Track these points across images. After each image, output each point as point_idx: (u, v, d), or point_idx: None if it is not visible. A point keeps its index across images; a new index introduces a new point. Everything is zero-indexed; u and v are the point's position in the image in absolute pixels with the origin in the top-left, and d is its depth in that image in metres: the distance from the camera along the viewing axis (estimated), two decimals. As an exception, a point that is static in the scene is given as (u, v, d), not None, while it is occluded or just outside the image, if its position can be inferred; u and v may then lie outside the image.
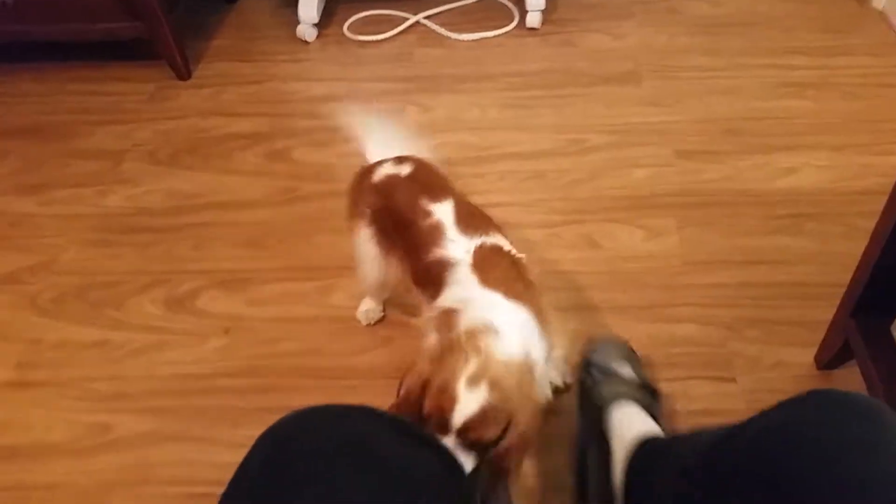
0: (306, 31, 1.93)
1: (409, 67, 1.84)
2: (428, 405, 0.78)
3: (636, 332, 1.18)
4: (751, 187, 1.43)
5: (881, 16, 1.84)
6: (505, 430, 0.79)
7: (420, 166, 1.08)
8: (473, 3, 2.04)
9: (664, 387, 1.11)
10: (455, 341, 0.81)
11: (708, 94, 1.66)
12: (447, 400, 0.76)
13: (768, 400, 1.09)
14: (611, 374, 1.04)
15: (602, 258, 1.32)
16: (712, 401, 1.09)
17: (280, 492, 0.54)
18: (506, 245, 0.99)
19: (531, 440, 0.86)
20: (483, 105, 1.70)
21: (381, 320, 1.24)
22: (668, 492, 0.71)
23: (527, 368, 0.83)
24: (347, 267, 1.20)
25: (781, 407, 0.60)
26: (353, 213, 1.10)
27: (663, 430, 0.95)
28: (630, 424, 0.94)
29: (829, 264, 1.27)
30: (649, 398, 1.00)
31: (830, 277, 1.22)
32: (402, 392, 0.84)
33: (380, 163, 1.10)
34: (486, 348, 0.80)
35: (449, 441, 0.77)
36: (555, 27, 1.93)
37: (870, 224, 0.98)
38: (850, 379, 1.08)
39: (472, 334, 0.82)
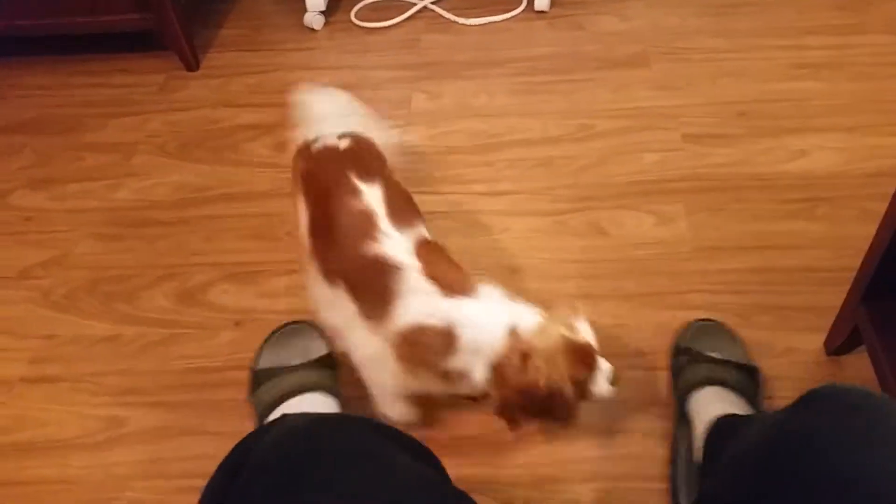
0: (314, 18, 1.93)
1: (417, 54, 1.83)
2: (570, 372, 0.85)
3: (645, 320, 1.18)
4: (762, 171, 1.41)
5: (896, -8, 1.81)
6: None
7: (359, 142, 1.07)
8: (481, -14, 2.02)
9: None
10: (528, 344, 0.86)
11: (718, 77, 1.64)
12: (588, 362, 0.87)
13: (778, 387, 1.10)
14: (698, 358, 1.04)
15: (610, 245, 1.31)
16: (722, 389, 1.09)
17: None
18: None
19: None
20: (491, 91, 1.69)
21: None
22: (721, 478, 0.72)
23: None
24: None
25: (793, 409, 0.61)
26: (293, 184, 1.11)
27: (758, 409, 0.96)
28: (708, 407, 0.94)
29: (841, 248, 1.25)
30: (744, 378, 1.00)
31: (843, 262, 1.20)
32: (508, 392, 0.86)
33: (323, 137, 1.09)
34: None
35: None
36: (563, 10, 1.91)
37: (882, 207, 0.96)
38: (859, 365, 1.07)
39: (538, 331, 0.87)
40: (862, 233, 1.05)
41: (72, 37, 1.86)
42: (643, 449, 1.04)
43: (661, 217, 1.35)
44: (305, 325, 1.13)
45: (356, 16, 1.97)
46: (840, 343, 1.09)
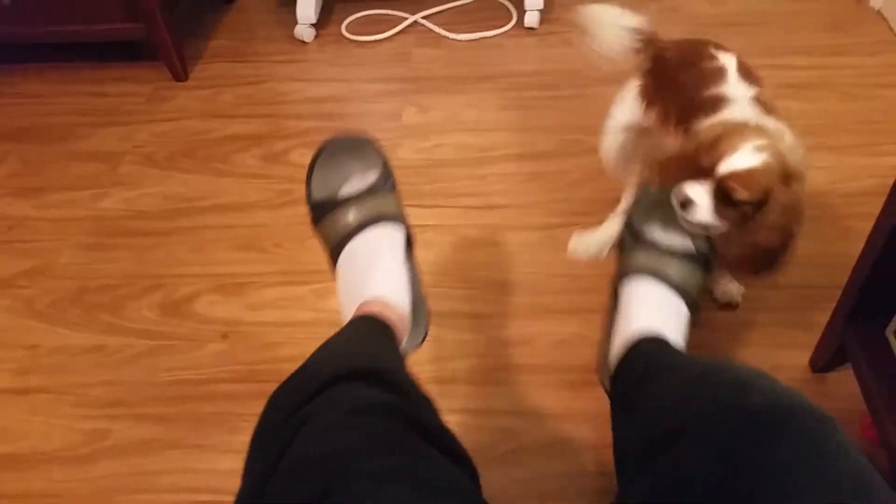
0: (304, 31, 1.93)
1: (408, 68, 1.84)
2: (705, 151, 0.87)
3: (634, 336, 1.18)
4: (749, 189, 1.42)
5: (879, 15, 1.84)
6: (760, 204, 0.86)
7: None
8: (471, 2, 2.04)
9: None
10: (744, 125, 0.89)
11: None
12: (725, 148, 0.85)
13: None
14: (644, 240, 0.90)
15: (602, 260, 1.32)
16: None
17: None
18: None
19: (784, 230, 0.89)
20: (481, 106, 1.69)
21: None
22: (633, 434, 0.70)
23: (801, 165, 0.88)
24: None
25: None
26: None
27: (696, 311, 0.86)
28: (635, 311, 0.85)
29: (826, 266, 1.26)
30: (690, 272, 0.86)
31: (828, 279, 1.21)
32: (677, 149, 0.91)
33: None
34: (775, 132, 0.89)
35: (707, 185, 0.86)
36: (553, 27, 1.92)
37: (866, 226, 0.98)
38: (845, 382, 1.08)
39: (761, 125, 0.90)
40: (847, 251, 1.06)
41: (61, 45, 1.85)
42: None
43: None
44: (362, 139, 0.95)
45: (347, 29, 1.97)
46: (826, 360, 1.10)
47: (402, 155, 1.57)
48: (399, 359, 0.80)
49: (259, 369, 1.19)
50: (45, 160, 1.64)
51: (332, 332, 1.19)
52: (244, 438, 0.62)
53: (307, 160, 1.61)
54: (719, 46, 1.13)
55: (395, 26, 1.95)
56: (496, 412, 1.11)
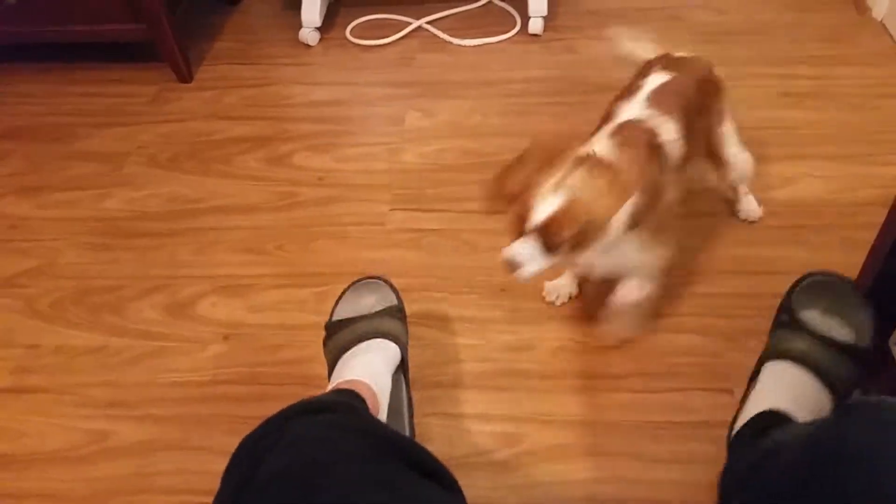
0: (309, 34, 1.93)
1: (411, 72, 1.84)
2: (519, 207, 0.89)
3: (634, 341, 1.19)
4: (750, 197, 1.43)
5: (881, 26, 1.84)
6: (579, 236, 0.89)
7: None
8: (476, 8, 2.04)
9: (666, 398, 1.11)
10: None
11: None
12: (530, 201, 0.88)
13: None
14: (798, 325, 0.90)
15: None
16: (711, 412, 1.09)
17: None
18: None
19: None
20: (484, 111, 1.70)
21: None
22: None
23: (617, 188, 0.89)
24: (345, 273, 1.20)
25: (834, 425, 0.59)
26: None
27: (841, 401, 0.84)
28: (768, 392, 0.86)
29: (828, 276, 1.27)
30: (841, 363, 0.86)
31: (830, 289, 1.22)
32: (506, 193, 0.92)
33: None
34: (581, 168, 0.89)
35: (532, 239, 0.88)
36: (557, 34, 1.93)
37: (869, 236, 0.98)
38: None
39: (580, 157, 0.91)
40: (848, 261, 1.06)
41: (66, 45, 1.85)
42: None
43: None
44: (379, 281, 1.12)
45: (351, 33, 1.98)
46: (828, 370, 1.10)
47: (405, 159, 1.57)
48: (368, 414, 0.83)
49: (260, 371, 1.19)
50: (48, 160, 1.64)
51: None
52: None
53: (310, 163, 1.63)
54: (705, 68, 1.17)
55: (399, 31, 1.96)
56: (496, 417, 1.11)
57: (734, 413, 0.98)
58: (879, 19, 1.85)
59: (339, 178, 1.54)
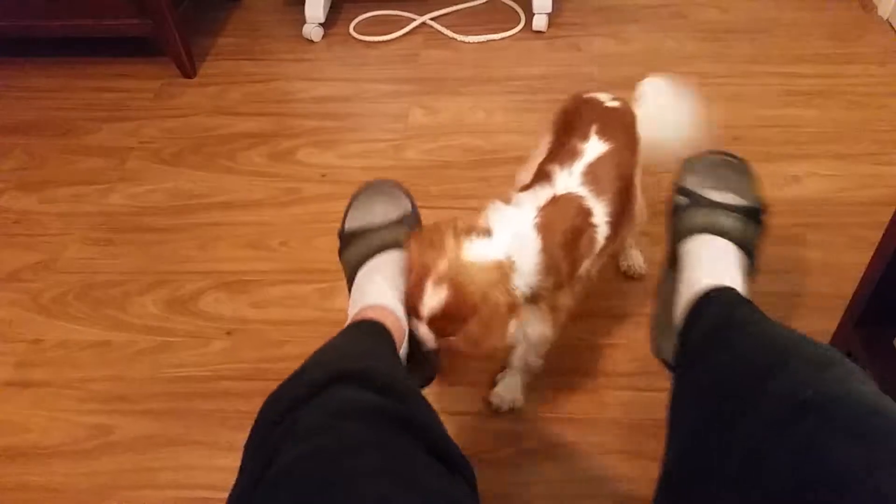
0: (312, 30, 1.93)
1: (415, 69, 1.84)
2: (406, 298, 0.88)
3: (637, 339, 1.18)
4: (755, 196, 1.42)
5: (887, 24, 1.83)
6: (466, 324, 0.85)
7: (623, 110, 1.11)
8: (480, 4, 2.04)
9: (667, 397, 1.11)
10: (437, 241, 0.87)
11: (713, 102, 1.66)
12: (418, 295, 0.85)
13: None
14: (698, 200, 0.93)
15: (601, 271, 1.31)
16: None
17: None
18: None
19: (485, 339, 0.87)
20: (488, 108, 1.69)
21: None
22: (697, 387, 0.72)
23: (499, 272, 0.86)
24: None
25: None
26: None
27: (754, 263, 0.88)
28: (699, 264, 0.87)
29: (832, 275, 1.26)
30: (745, 226, 0.90)
31: (834, 288, 1.22)
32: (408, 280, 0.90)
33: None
34: (459, 250, 0.86)
35: (423, 327, 0.86)
36: (561, 31, 1.92)
37: (874, 235, 0.97)
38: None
39: (459, 234, 0.88)
40: (854, 260, 1.06)
41: (69, 40, 1.85)
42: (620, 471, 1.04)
43: (654, 238, 1.35)
44: (389, 183, 1.06)
45: (355, 29, 1.97)
46: (832, 369, 1.09)
47: (409, 156, 1.57)
48: (393, 359, 0.81)
49: (263, 367, 1.19)
50: (52, 154, 1.64)
51: (335, 331, 1.19)
52: (246, 437, 0.62)
53: (314, 159, 1.63)
54: (631, 123, 1.10)
55: (403, 27, 1.95)
56: (498, 415, 1.11)
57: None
58: (885, 17, 1.85)
59: (343, 175, 1.54)
